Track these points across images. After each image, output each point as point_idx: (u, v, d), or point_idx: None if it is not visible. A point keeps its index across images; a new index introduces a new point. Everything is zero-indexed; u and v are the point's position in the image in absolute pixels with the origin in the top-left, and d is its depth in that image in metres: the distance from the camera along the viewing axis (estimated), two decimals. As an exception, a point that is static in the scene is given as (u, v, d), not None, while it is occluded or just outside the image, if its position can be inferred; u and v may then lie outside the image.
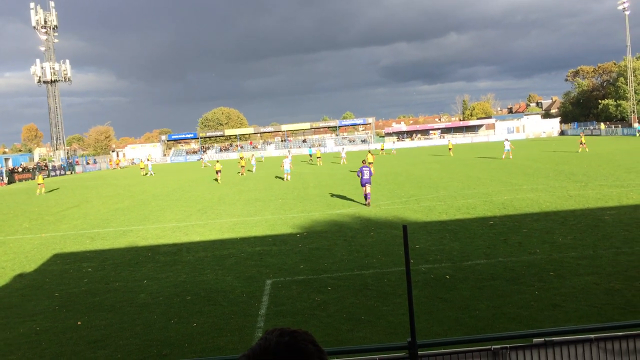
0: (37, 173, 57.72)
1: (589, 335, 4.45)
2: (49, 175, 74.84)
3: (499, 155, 48.76)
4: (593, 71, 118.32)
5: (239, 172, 49.26)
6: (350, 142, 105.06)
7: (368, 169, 23.05)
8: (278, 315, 9.52)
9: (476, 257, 12.61)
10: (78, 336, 9.12)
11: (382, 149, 77.16)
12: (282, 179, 38.60)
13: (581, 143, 48.58)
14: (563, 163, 36.40)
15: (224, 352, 7.97)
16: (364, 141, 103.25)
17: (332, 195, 26.90)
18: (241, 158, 51.46)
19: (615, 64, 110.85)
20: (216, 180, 41.75)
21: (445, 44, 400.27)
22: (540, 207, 18.75)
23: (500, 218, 17.33)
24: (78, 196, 37.47)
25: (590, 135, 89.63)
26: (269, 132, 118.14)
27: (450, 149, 59.15)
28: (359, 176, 23.07)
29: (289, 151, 70.90)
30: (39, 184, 42.68)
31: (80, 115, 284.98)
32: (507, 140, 48.33)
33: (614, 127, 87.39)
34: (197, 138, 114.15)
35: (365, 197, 22.70)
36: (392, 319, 8.88)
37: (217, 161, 46.00)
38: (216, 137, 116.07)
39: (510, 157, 45.33)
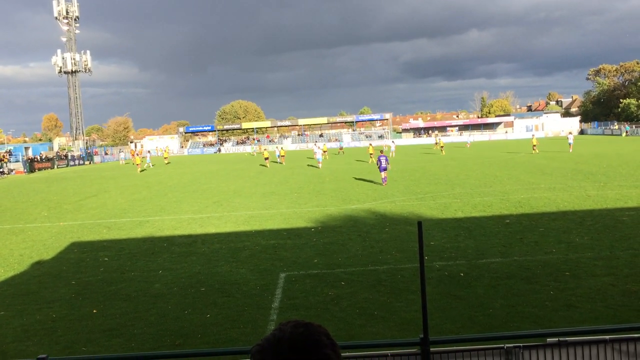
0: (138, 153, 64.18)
1: (603, 337, 4.41)
2: (67, 165, 75.66)
3: (519, 152, 49.00)
4: (615, 70, 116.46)
5: (263, 165, 52.12)
6: (367, 137, 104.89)
7: (385, 157, 27.87)
8: (291, 308, 9.55)
9: (491, 255, 12.54)
10: (93, 324, 9.24)
11: (436, 144, 68.95)
12: (316, 167, 44.57)
13: (534, 145, 51.10)
14: (582, 162, 36.00)
15: (237, 343, 8.02)
16: (380, 137, 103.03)
17: (348, 188, 26.91)
18: (262, 149, 57.65)
19: (638, 63, 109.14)
20: (264, 165, 50.60)
21: (466, 41, 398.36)
22: (558, 207, 18.57)
23: (516, 216, 17.19)
24: (96, 186, 37.87)
25: (610, 135, 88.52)
26: (286, 126, 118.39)
27: (442, 147, 59.17)
28: (378, 164, 28.05)
29: (315, 143, 76.91)
30: (137, 164, 53.78)
31: (102, 106, 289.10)
32: (570, 133, 53.01)
33: (635, 127, 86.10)
34: (215, 131, 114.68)
35: (383, 180, 27.87)
36: (405, 315, 8.86)
37: (265, 149, 56.14)
38: (233, 130, 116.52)
39: (570, 150, 48.12)
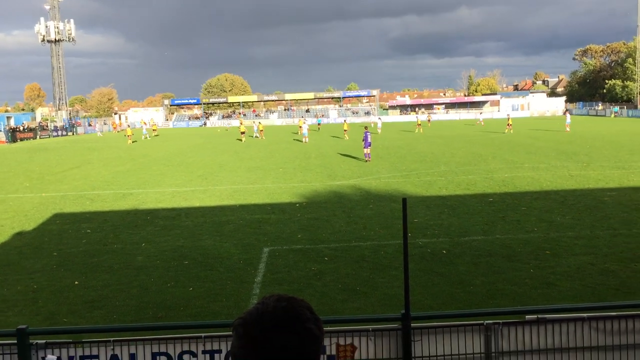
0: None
1: (581, 314, 4.47)
2: (50, 136, 74.72)
3: (500, 131, 49.31)
4: (602, 51, 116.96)
5: (238, 139, 50.67)
6: (353, 113, 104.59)
7: (370, 134, 28.82)
8: (274, 282, 9.58)
9: (474, 233, 12.64)
10: (75, 295, 9.20)
11: (429, 121, 68.33)
12: (301, 141, 44.79)
13: (508, 124, 50.84)
14: (566, 143, 36.28)
15: (219, 317, 8.04)
16: (367, 113, 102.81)
17: (334, 164, 26.90)
18: (241, 124, 54.88)
19: (624, 44, 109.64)
20: (240, 140, 49.06)
21: (456, 18, 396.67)
22: (541, 186, 18.74)
23: (499, 195, 17.32)
24: (79, 157, 37.48)
25: (595, 115, 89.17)
26: (272, 101, 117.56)
27: (419, 124, 57.79)
28: (363, 141, 28.81)
29: (301, 117, 76.14)
30: (128, 135, 52.71)
31: (88, 76, 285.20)
32: (567, 111, 55.06)
33: (620, 108, 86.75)
34: (200, 104, 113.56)
35: (366, 155, 28.44)
36: (387, 291, 8.94)
37: (241, 123, 54.33)
38: (219, 103, 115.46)
39: (568, 129, 48.13)
